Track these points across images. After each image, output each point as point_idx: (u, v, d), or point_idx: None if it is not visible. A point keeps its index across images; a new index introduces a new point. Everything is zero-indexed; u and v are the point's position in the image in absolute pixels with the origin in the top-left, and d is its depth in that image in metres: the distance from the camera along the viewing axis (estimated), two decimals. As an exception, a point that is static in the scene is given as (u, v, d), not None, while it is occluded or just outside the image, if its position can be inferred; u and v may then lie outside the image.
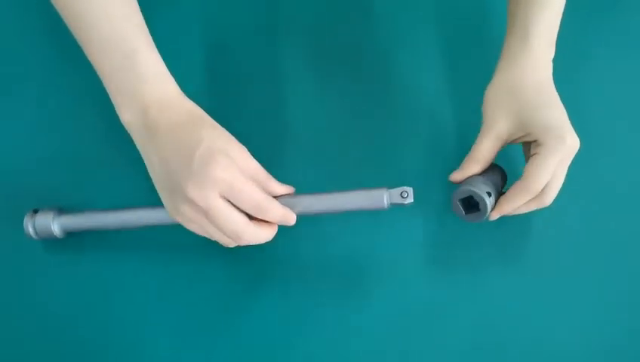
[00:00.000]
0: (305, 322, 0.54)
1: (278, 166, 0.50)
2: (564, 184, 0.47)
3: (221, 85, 0.59)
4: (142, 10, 0.46)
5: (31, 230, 0.51)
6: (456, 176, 0.50)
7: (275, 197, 0.46)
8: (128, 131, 0.45)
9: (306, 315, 0.54)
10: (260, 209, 0.44)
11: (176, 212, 0.44)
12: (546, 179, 0.46)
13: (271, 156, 0.50)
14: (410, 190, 0.46)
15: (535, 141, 0.47)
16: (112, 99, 0.45)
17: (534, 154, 0.47)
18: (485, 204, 0.47)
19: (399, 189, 0.47)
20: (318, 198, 0.47)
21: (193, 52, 0.60)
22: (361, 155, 0.57)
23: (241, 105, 0.59)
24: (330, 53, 0.60)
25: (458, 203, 0.48)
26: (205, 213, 0.42)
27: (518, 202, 0.47)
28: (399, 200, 0.46)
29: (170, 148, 0.43)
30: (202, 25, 0.61)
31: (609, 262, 0.54)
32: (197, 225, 0.44)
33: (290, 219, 0.46)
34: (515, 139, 0.49)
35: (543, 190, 0.47)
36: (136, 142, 0.45)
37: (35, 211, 0.52)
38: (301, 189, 0.49)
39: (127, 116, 0.44)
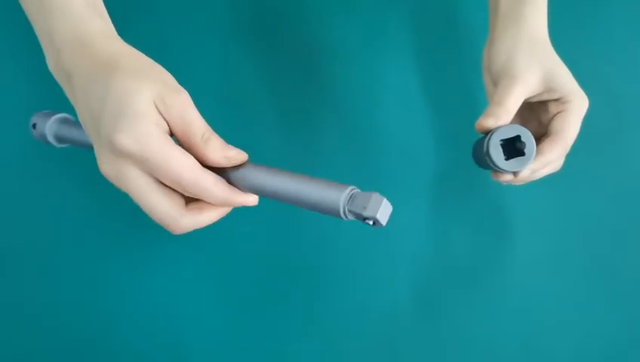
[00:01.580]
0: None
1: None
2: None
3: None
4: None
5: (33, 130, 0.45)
6: (488, 121, 0.43)
7: (224, 169, 0.36)
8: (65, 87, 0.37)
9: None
10: (191, 188, 0.34)
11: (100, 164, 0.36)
12: (575, 135, 0.45)
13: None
14: (383, 204, 0.32)
15: (558, 99, 0.45)
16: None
17: (562, 111, 0.45)
18: (533, 145, 0.42)
19: (367, 196, 0.32)
20: (265, 176, 0.35)
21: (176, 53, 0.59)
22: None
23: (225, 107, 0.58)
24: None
25: (499, 144, 0.42)
26: (127, 191, 0.35)
27: (551, 155, 0.44)
28: (359, 211, 0.32)
29: (81, 103, 0.35)
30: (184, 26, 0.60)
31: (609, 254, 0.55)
32: (121, 188, 0.36)
33: (236, 200, 0.36)
34: (533, 96, 0.46)
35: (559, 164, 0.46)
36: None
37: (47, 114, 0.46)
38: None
39: (49, 62, 0.37)
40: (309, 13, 0.59)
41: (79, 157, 0.52)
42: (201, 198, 0.35)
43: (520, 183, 0.46)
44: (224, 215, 0.37)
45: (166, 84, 0.34)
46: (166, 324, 0.54)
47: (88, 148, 0.40)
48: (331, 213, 0.33)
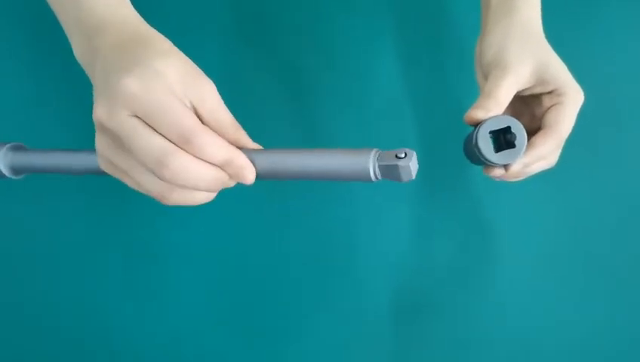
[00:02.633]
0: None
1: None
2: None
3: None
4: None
5: None
6: (477, 113, 0.41)
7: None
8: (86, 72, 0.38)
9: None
10: (191, 138, 0.32)
11: (97, 153, 0.35)
12: (569, 128, 0.44)
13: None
14: (411, 154, 0.33)
15: (551, 92, 0.44)
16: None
17: (556, 104, 0.44)
18: (524, 137, 0.39)
19: (396, 151, 0.33)
20: (282, 156, 0.35)
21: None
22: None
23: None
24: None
25: (489, 136, 0.40)
26: (118, 139, 0.33)
27: (544, 149, 0.43)
28: (392, 161, 0.33)
29: (100, 72, 0.34)
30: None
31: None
32: (111, 164, 0.35)
33: (238, 161, 0.34)
34: (526, 89, 0.45)
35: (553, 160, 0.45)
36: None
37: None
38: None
39: (76, 51, 0.37)
40: (308, 11, 0.59)
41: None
42: (198, 154, 0.33)
43: (513, 179, 0.44)
44: (218, 185, 0.34)
45: (195, 67, 0.34)
46: (166, 324, 0.55)
47: (51, 173, 0.41)
48: (360, 175, 0.34)
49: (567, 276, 0.54)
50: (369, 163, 0.33)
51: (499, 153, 0.40)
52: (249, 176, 0.35)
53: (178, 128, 0.32)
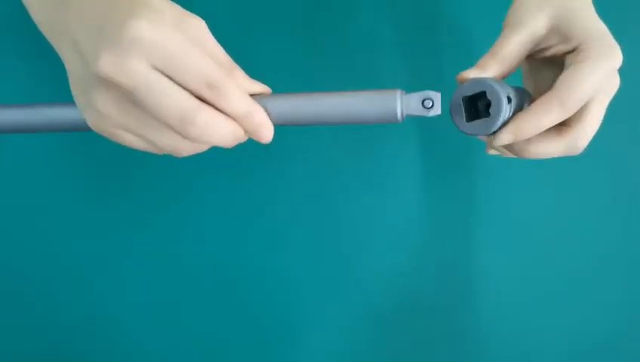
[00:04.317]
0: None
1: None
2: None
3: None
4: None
5: None
6: (469, 72, 0.37)
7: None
8: (42, 31, 0.34)
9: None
10: (216, 87, 0.29)
11: (89, 109, 0.31)
12: (585, 93, 0.34)
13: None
14: (435, 96, 0.33)
15: (575, 49, 0.36)
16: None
17: (574, 63, 0.36)
18: (500, 106, 0.33)
19: (420, 94, 0.33)
20: (301, 101, 0.33)
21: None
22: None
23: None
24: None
25: (461, 102, 0.35)
26: (131, 95, 0.29)
27: (543, 118, 0.34)
28: (419, 111, 0.33)
29: (82, 19, 0.30)
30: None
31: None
32: (113, 123, 0.30)
33: (258, 116, 0.31)
34: (545, 48, 0.38)
35: (577, 121, 0.35)
36: (50, 40, 0.33)
37: None
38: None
39: (35, 10, 0.33)
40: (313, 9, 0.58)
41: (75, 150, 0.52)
42: (218, 104, 0.30)
43: (509, 155, 0.39)
44: (235, 141, 0.32)
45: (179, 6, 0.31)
46: (173, 323, 0.55)
47: (27, 132, 0.35)
48: (387, 113, 0.33)
49: (572, 277, 0.54)
50: (396, 103, 0.32)
51: (471, 122, 0.35)
52: (267, 134, 0.32)
53: (205, 77, 0.29)
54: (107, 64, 0.28)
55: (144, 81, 0.28)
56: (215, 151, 0.52)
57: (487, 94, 0.34)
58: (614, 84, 0.37)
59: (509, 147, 0.38)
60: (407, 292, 0.54)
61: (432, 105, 0.33)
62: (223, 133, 0.30)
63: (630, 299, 0.54)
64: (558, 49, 0.37)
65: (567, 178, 0.55)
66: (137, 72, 0.28)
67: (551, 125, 0.35)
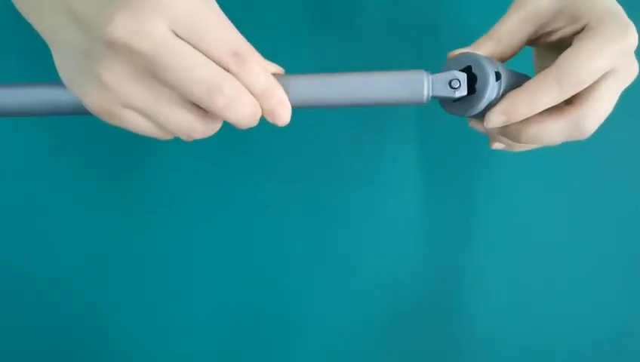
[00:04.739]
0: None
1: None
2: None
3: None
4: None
5: None
6: (458, 51, 0.34)
7: None
8: (19, 9, 0.30)
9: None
10: (241, 57, 0.27)
11: (91, 86, 0.27)
12: (588, 73, 0.31)
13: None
14: (462, 76, 0.31)
15: (583, 28, 0.33)
16: None
17: (579, 40, 0.32)
18: (486, 80, 0.31)
19: (447, 74, 0.31)
20: (321, 80, 0.31)
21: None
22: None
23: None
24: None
25: (446, 80, 0.33)
26: (149, 64, 0.25)
27: (539, 97, 0.31)
28: (445, 92, 0.31)
29: None
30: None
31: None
32: (127, 100, 0.27)
33: (277, 93, 0.29)
34: (552, 31, 0.35)
35: (582, 100, 0.32)
36: (30, 16, 0.29)
37: None
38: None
39: None
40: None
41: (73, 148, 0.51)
42: (240, 76, 0.28)
43: (514, 148, 0.37)
44: (256, 117, 0.29)
45: None
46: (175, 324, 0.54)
47: (27, 115, 0.32)
48: (413, 94, 0.31)
49: (574, 278, 0.54)
50: (423, 83, 0.31)
51: (458, 102, 0.32)
52: (285, 115, 0.29)
53: (231, 45, 0.26)
54: (122, 27, 0.25)
55: (167, 45, 0.25)
56: (216, 150, 0.52)
57: (473, 68, 0.32)
58: (631, 70, 0.33)
59: (505, 132, 0.35)
60: (407, 293, 0.54)
61: (459, 86, 0.31)
62: (247, 106, 0.28)
63: (632, 300, 0.53)
64: (566, 31, 0.34)
65: (571, 178, 0.54)
66: (159, 35, 0.25)
67: (549, 105, 0.32)
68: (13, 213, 0.54)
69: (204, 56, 0.26)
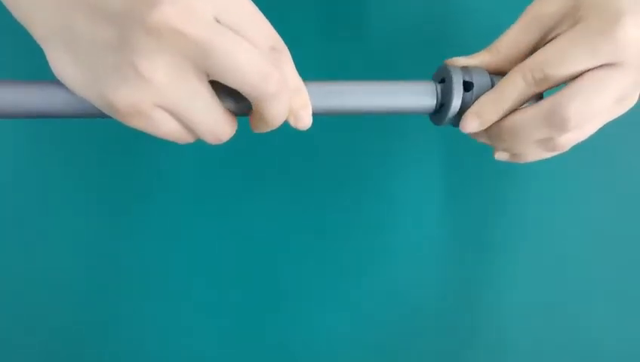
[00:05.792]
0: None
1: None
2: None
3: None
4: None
5: None
6: (456, 58, 0.34)
7: None
8: (18, 9, 0.26)
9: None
10: (279, 51, 0.27)
11: (125, 83, 0.24)
12: (557, 63, 0.30)
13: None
14: (431, 89, 0.33)
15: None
16: None
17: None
18: (452, 90, 0.32)
19: (422, 86, 0.33)
20: (338, 88, 0.31)
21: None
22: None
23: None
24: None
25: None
26: (200, 49, 0.23)
27: (506, 92, 0.31)
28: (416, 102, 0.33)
29: None
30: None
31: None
32: (165, 97, 0.25)
33: (305, 94, 0.29)
34: (556, 36, 0.32)
35: (558, 91, 0.31)
36: (26, 16, 0.26)
37: None
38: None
39: None
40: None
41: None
42: (280, 67, 0.27)
43: (514, 159, 0.36)
44: (286, 115, 0.28)
45: None
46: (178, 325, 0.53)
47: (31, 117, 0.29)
48: (424, 104, 0.32)
49: (592, 294, 0.53)
50: (434, 97, 0.32)
51: (438, 112, 0.33)
52: (307, 118, 0.29)
53: (271, 38, 0.26)
54: (170, 11, 0.22)
55: (219, 30, 0.24)
56: (225, 160, 0.51)
57: (446, 79, 0.32)
58: (622, 73, 0.30)
59: (489, 135, 0.34)
60: (423, 307, 0.53)
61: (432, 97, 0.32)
62: (287, 100, 0.27)
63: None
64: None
65: (594, 191, 0.52)
66: (210, 20, 0.23)
67: (518, 100, 0.31)
68: (11, 215, 0.54)
69: (252, 44, 0.25)
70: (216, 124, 0.27)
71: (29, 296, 0.53)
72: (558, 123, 0.30)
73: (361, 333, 0.53)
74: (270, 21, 0.28)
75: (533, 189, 0.52)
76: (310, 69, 0.46)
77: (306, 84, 0.30)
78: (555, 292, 0.53)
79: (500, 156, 0.36)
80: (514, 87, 0.31)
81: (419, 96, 0.32)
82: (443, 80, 0.33)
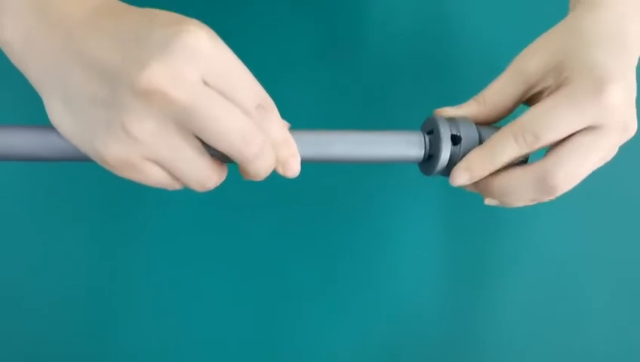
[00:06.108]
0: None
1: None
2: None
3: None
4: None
5: None
6: (444, 109, 0.34)
7: None
8: (13, 54, 0.27)
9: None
10: (265, 109, 0.27)
11: (114, 138, 0.25)
12: (547, 126, 0.30)
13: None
14: (419, 140, 0.33)
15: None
16: None
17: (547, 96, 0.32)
18: (440, 144, 0.32)
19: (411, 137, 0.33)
20: (325, 137, 0.32)
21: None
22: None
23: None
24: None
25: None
26: (183, 113, 0.25)
27: (497, 153, 0.31)
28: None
29: (105, 33, 0.25)
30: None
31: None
32: (151, 152, 0.25)
33: (292, 145, 0.30)
34: (542, 91, 0.33)
35: (547, 156, 0.31)
36: (26, 65, 0.27)
37: None
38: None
39: (9, 28, 0.26)
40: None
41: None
42: (268, 130, 0.28)
43: (504, 204, 0.35)
44: (271, 169, 0.29)
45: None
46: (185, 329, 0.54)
47: (26, 160, 0.30)
48: (412, 154, 0.33)
49: (602, 322, 0.54)
50: (422, 148, 0.33)
51: (427, 161, 0.34)
52: (296, 167, 0.30)
53: (258, 96, 0.27)
54: (158, 74, 0.24)
55: (205, 94, 0.25)
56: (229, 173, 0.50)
57: (434, 131, 0.33)
58: (622, 127, 0.30)
59: (477, 188, 0.35)
60: (424, 333, 0.53)
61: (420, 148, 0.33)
62: (272, 157, 0.28)
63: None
64: (551, 90, 0.32)
65: (595, 220, 0.53)
66: (196, 84, 0.24)
67: (508, 159, 0.32)
68: (11, 228, 0.53)
69: (237, 107, 0.26)
70: (202, 174, 0.28)
71: (30, 296, 0.53)
72: (547, 189, 0.31)
73: (361, 351, 0.53)
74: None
75: (537, 217, 0.53)
76: (305, 93, 0.46)
77: (295, 133, 0.31)
78: (558, 321, 0.54)
79: (490, 202, 0.37)
80: (505, 146, 0.31)
81: (407, 146, 0.32)
82: (431, 131, 0.33)
